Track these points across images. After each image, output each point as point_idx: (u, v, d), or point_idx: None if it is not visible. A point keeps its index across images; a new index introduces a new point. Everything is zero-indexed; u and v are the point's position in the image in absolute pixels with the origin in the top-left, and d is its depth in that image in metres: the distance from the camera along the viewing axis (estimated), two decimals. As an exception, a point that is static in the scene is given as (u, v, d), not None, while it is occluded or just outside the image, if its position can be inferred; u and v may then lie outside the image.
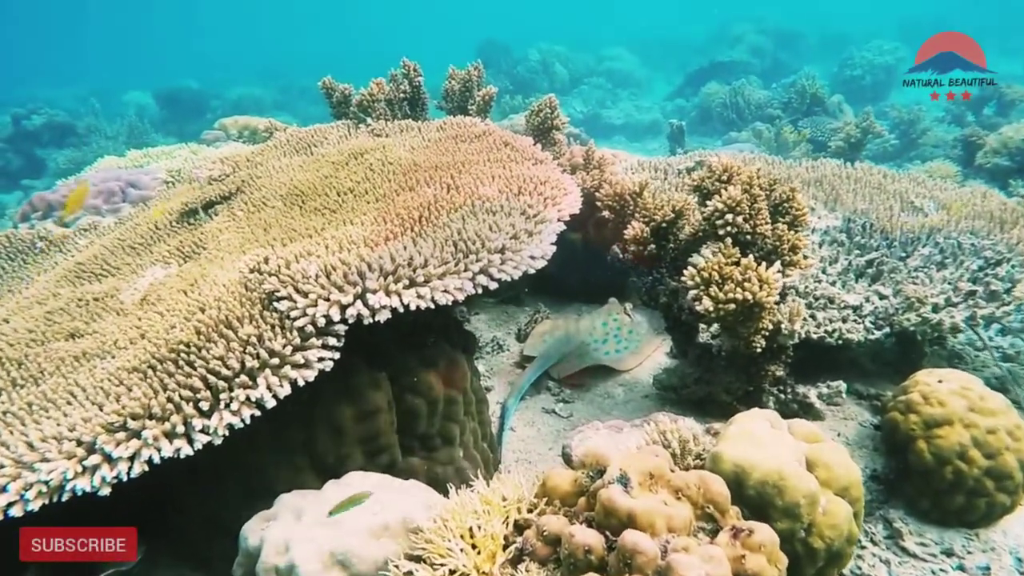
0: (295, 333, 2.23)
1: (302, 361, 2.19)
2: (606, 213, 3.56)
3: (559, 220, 2.92)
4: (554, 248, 2.76)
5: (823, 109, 10.55)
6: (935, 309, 3.21)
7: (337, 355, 2.27)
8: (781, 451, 2.13)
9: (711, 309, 2.54)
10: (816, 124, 9.82)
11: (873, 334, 3.15)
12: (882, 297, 3.37)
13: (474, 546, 1.84)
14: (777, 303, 2.54)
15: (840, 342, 3.06)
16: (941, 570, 2.62)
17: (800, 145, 8.96)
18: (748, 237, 2.77)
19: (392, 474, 2.63)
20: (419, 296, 2.32)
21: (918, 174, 4.74)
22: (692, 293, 2.65)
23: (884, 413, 2.99)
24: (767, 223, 2.78)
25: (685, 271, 2.75)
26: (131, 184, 4.37)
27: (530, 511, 1.93)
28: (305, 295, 2.30)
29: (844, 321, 3.17)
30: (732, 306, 2.50)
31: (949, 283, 3.38)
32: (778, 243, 2.77)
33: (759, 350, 2.74)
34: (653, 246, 3.16)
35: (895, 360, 3.51)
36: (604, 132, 14.25)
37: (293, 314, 2.26)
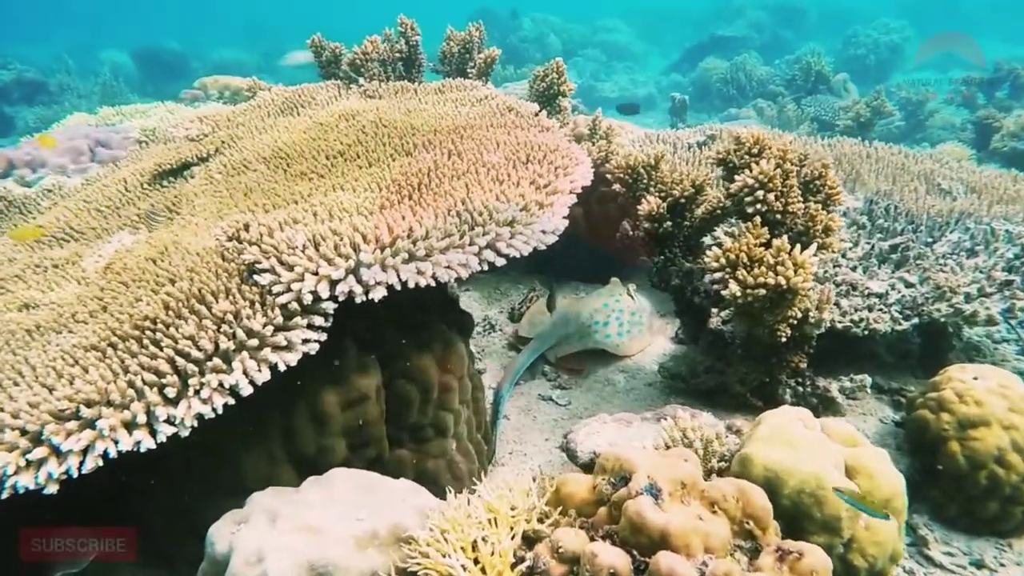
0: (277, 311, 1.97)
1: (284, 343, 1.93)
2: (616, 186, 3.30)
3: (571, 192, 2.66)
4: (567, 222, 2.51)
5: (828, 88, 10.27)
6: (967, 299, 3.01)
7: (324, 336, 2.02)
8: (819, 456, 1.91)
9: (738, 294, 2.31)
10: (820, 103, 9.55)
11: (900, 324, 2.94)
12: (908, 285, 3.16)
13: (477, 561, 1.61)
14: (810, 290, 2.31)
15: (867, 333, 2.85)
16: (973, 583, 2.45)
17: (804, 124, 8.70)
18: (778, 216, 2.53)
19: (378, 469, 2.40)
20: (419, 272, 2.06)
21: (941, 155, 4.51)
22: (716, 275, 2.41)
23: (911, 410, 2.79)
24: (799, 201, 2.54)
25: (708, 252, 2.51)
26: (101, 143, 4.03)
27: (541, 521, 1.71)
28: (290, 268, 2.03)
29: (870, 310, 2.95)
30: (762, 292, 2.27)
31: (981, 271, 3.17)
32: (810, 223, 2.54)
33: (784, 339, 2.52)
34: (669, 223, 2.91)
35: (918, 353, 3.31)
36: (599, 105, 13.85)
37: (276, 289, 2.00)
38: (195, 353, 1.85)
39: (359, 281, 2.00)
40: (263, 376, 1.88)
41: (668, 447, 2.03)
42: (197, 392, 1.81)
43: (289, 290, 1.98)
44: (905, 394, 3.05)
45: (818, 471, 1.83)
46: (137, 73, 17.54)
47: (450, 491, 1.85)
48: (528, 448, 3.16)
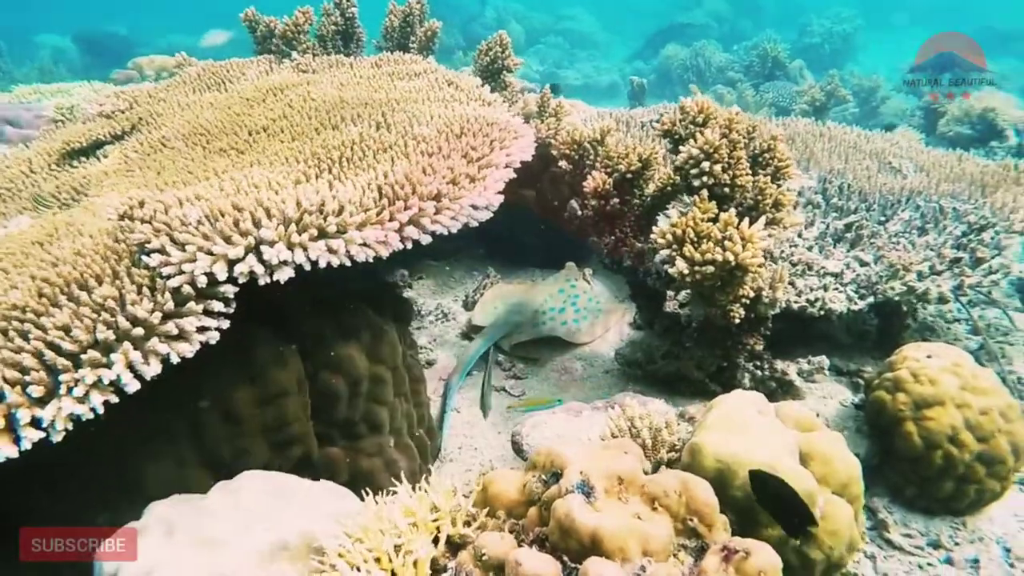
0: (167, 296, 1.73)
1: (175, 331, 1.70)
2: (563, 163, 3.12)
3: (508, 166, 2.47)
4: (501, 198, 2.32)
5: (784, 74, 10.28)
6: (920, 277, 2.91)
7: (226, 324, 1.80)
8: (772, 442, 1.77)
9: (685, 272, 2.15)
10: (778, 89, 9.54)
11: (856, 304, 2.83)
12: (863, 264, 3.06)
13: (393, 573, 1.42)
14: (760, 266, 2.17)
15: (823, 312, 2.73)
16: (929, 564, 2.35)
17: (764, 109, 8.67)
18: (726, 190, 2.38)
19: (307, 470, 2.19)
20: (330, 250, 1.85)
21: (892, 136, 4.45)
22: (663, 254, 2.25)
23: (869, 392, 2.69)
24: (747, 174, 2.39)
25: (654, 228, 2.35)
26: (8, 121, 3.69)
27: (468, 523, 1.52)
28: (182, 247, 1.80)
29: (825, 289, 2.84)
30: (710, 269, 2.11)
31: (932, 249, 3.09)
32: (760, 197, 2.39)
33: (737, 321, 2.37)
34: (616, 200, 2.75)
35: (874, 333, 3.22)
36: (562, 93, 13.70)
37: (166, 271, 1.76)
38: (67, 346, 1.60)
39: (261, 261, 1.78)
40: (152, 369, 1.65)
41: (614, 437, 1.86)
42: (70, 390, 1.57)
43: (180, 272, 1.74)
44: (863, 375, 2.96)
45: (770, 459, 1.69)
46: (80, 58, 16.67)
47: (367, 493, 1.65)
48: (479, 442, 2.98)
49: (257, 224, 1.83)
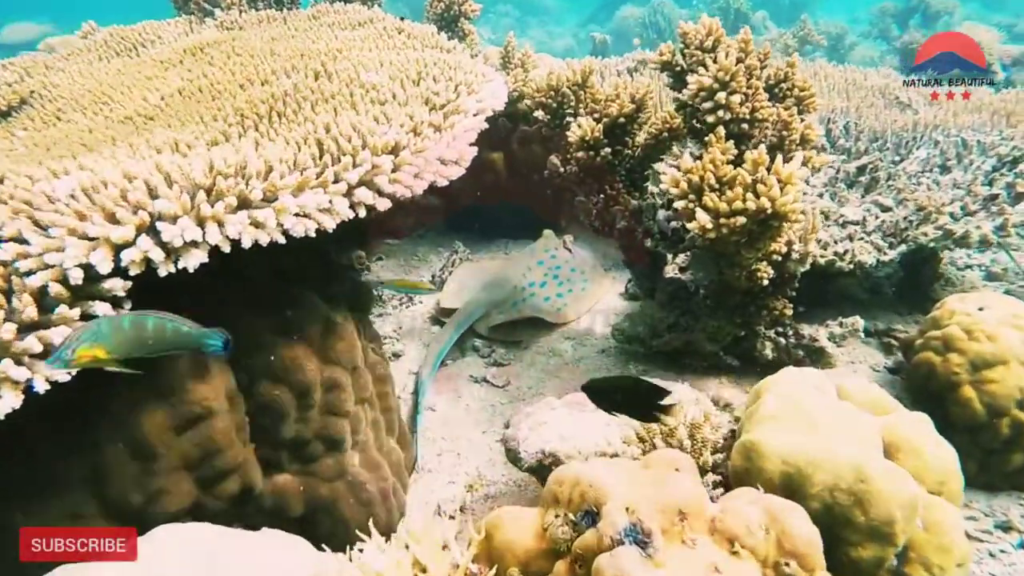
0: (28, 299, 1.25)
1: (40, 349, 1.22)
2: (539, 113, 2.67)
3: (479, 113, 2.01)
4: (474, 151, 1.87)
5: (748, 26, 9.93)
6: (953, 219, 2.56)
7: (119, 333, 1.31)
8: (850, 433, 1.37)
9: (708, 227, 1.74)
10: (743, 41, 9.17)
11: (886, 254, 2.47)
12: (885, 209, 2.69)
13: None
14: (801, 212, 1.77)
15: (852, 266, 2.36)
16: (1001, 550, 2.01)
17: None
18: (744, 127, 1.97)
19: (249, 507, 1.74)
20: (256, 224, 1.38)
21: (888, 71, 4.11)
22: (678, 205, 1.83)
23: (910, 353, 2.34)
24: (767, 106, 1.99)
25: (662, 177, 1.93)
26: None
27: (466, 585, 1.09)
28: (46, 230, 1.31)
29: (851, 239, 2.47)
30: (740, 220, 1.71)
31: (960, 188, 2.74)
32: (785, 133, 1.99)
33: (766, 282, 1.98)
34: (608, 150, 2.31)
35: (889, 286, 2.87)
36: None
37: (24, 265, 1.27)
38: None
39: (160, 243, 1.30)
40: (6, 404, 1.17)
41: (642, 442, 1.45)
42: None
43: (45, 265, 1.26)
44: (895, 336, 2.60)
45: (856, 458, 1.30)
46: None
47: (327, 551, 1.21)
48: (461, 446, 2.55)
49: (153, 194, 1.35)
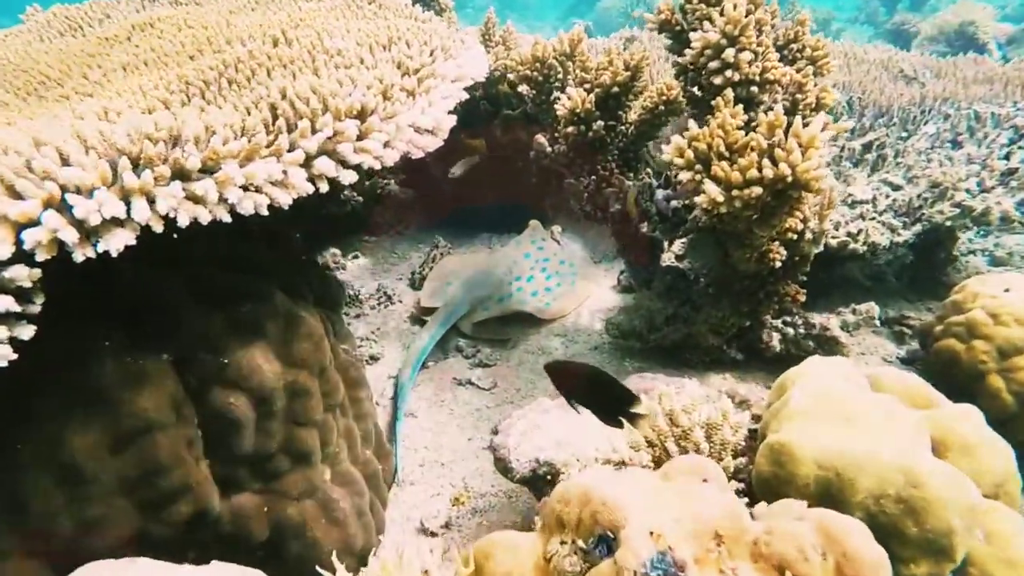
0: (-95, 294, 1.01)
1: (-81, 354, 0.99)
2: (523, 88, 2.47)
3: (458, 80, 1.80)
4: (453, 120, 1.65)
5: (731, 13, 9.78)
6: (970, 195, 2.39)
7: (27, 332, 1.09)
8: (896, 432, 1.18)
9: (720, 200, 1.54)
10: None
11: (900, 234, 2.29)
12: (895, 187, 2.52)
13: None
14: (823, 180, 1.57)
15: (866, 247, 2.18)
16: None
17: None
18: (754, 89, 1.77)
19: (203, 533, 1.51)
20: (194, 198, 1.15)
21: (889, 47, 3.96)
22: (683, 177, 1.63)
23: (928, 341, 2.16)
24: (778, 67, 1.79)
25: (665, 147, 1.73)
26: None
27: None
28: (-73, 212, 1.07)
29: (863, 219, 2.29)
30: (755, 191, 1.51)
31: (975, 163, 2.58)
32: (800, 96, 1.80)
33: (778, 264, 1.79)
34: (600, 124, 2.11)
35: (907, 271, 2.70)
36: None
37: (-100, 254, 1.03)
38: None
39: (73, 221, 1.07)
40: None
41: (652, 447, 1.25)
42: None
43: (-75, 251, 1.02)
44: (909, 323, 2.43)
45: (904, 459, 1.10)
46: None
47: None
48: (445, 455, 2.33)
49: (65, 160, 1.12)
